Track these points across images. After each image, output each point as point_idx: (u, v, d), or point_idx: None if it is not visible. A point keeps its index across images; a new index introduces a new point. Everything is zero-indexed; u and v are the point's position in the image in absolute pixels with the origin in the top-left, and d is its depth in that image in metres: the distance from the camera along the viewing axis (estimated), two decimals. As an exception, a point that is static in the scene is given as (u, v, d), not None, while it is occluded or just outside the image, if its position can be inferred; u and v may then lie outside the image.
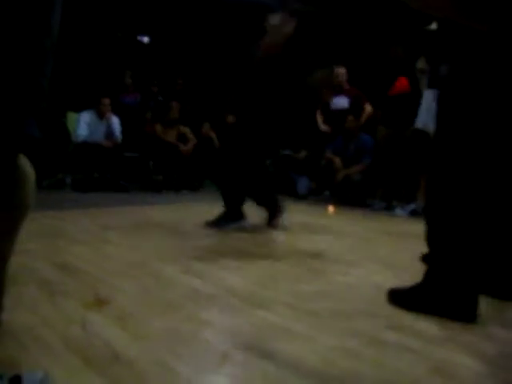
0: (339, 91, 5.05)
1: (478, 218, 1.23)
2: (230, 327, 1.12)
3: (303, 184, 5.16)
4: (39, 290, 1.30)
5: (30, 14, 0.47)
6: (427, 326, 1.18)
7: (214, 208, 2.74)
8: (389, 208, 4.38)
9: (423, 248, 1.34)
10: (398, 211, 4.12)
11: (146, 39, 7.23)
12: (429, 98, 3.73)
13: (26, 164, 0.54)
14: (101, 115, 4.77)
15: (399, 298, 1.34)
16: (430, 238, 1.30)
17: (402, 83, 4.31)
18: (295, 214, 3.76)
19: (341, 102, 5.03)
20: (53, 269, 1.55)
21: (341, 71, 5.01)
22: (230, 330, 1.10)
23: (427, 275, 1.29)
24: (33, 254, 1.70)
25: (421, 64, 4.05)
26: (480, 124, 1.21)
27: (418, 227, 1.49)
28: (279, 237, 2.57)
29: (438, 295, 1.25)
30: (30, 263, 1.57)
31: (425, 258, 1.34)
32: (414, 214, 3.96)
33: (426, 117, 3.76)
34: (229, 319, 1.17)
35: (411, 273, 1.45)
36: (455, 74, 1.26)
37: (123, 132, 4.91)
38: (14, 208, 0.55)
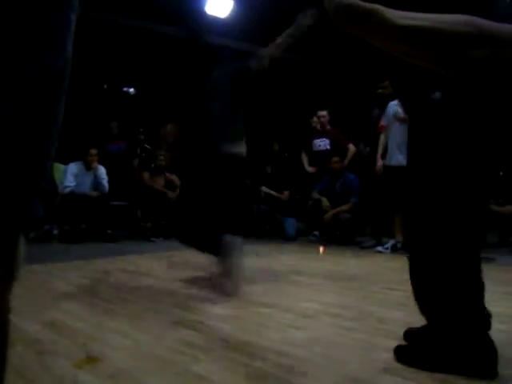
0: (321, 133, 5.19)
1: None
2: (223, 381, 1.09)
3: (291, 225, 5.16)
4: (27, 351, 1.26)
5: (36, 101, 0.51)
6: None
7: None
8: (379, 245, 4.39)
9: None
10: (379, 248, 4.10)
11: (132, 90, 7.43)
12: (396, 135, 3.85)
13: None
14: (88, 166, 4.80)
15: (407, 355, 1.21)
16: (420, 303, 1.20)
17: None
18: (285, 256, 3.76)
19: (322, 143, 5.17)
20: (40, 327, 1.51)
21: (322, 114, 5.17)
22: None
23: (429, 329, 1.17)
24: (18, 311, 1.65)
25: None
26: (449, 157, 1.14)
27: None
28: (273, 283, 2.55)
29: (450, 351, 1.11)
30: (15, 321, 1.52)
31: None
32: (394, 249, 3.98)
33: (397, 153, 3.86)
34: (222, 372, 1.15)
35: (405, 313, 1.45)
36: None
37: (110, 181, 4.92)
38: (7, 276, 0.56)
